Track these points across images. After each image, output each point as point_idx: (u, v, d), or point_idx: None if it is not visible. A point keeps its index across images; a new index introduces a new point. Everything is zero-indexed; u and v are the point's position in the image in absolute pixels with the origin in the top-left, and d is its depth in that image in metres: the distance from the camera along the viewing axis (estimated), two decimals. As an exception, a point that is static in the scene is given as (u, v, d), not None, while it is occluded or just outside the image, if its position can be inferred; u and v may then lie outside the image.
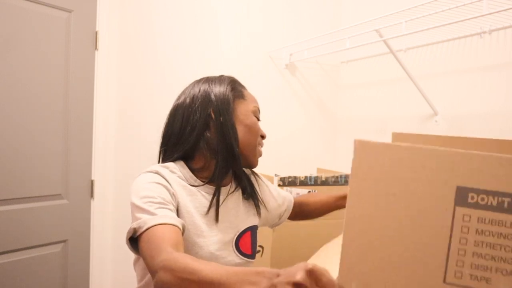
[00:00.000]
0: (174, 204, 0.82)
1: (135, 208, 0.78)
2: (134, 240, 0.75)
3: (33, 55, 1.67)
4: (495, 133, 1.47)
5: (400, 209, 0.47)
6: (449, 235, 0.45)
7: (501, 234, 0.44)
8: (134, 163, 1.89)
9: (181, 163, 0.91)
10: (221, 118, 0.88)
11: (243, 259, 0.93)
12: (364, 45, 1.66)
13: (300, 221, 1.71)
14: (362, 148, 0.48)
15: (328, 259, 0.51)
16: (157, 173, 0.84)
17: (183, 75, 1.96)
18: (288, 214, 1.16)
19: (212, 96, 0.90)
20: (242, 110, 0.91)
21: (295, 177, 1.69)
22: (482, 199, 0.44)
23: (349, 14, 2.23)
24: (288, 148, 2.17)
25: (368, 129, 2.07)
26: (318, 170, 2.17)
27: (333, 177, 1.78)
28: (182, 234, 0.76)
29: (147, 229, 0.72)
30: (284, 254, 1.71)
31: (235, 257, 0.91)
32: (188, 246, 0.83)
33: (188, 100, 0.93)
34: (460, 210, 0.45)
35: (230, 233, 0.92)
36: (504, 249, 0.44)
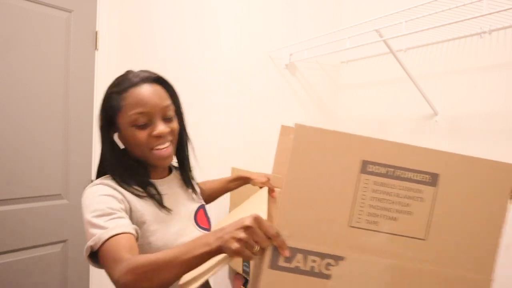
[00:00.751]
0: (124, 207, 0.85)
1: (88, 224, 0.80)
2: (95, 255, 0.78)
3: (33, 55, 1.67)
4: (495, 133, 1.47)
5: (323, 176, 0.67)
6: (354, 193, 0.67)
7: (387, 192, 0.67)
8: (134, 163, 1.90)
9: (107, 177, 0.94)
10: (102, 137, 0.94)
11: (203, 232, 0.99)
12: (364, 45, 1.65)
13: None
14: (300, 130, 0.66)
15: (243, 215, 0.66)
16: (101, 183, 0.88)
17: (183, 75, 1.97)
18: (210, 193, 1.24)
19: (101, 115, 0.94)
20: (120, 124, 0.90)
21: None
22: (377, 169, 0.67)
23: (349, 14, 2.23)
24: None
25: (368, 129, 2.07)
26: (318, 170, 2.17)
27: (333, 177, 1.78)
28: (137, 238, 0.80)
29: (102, 244, 0.75)
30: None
31: (197, 232, 0.97)
32: (152, 235, 0.87)
33: None
34: (363, 176, 0.67)
35: (187, 212, 0.99)
36: (388, 202, 0.67)
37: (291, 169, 0.66)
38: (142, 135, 0.88)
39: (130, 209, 0.87)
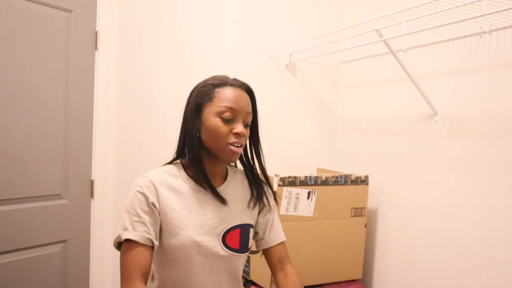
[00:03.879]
0: (155, 209, 0.96)
1: (124, 215, 0.96)
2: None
3: (33, 55, 1.67)
4: (495, 133, 1.47)
5: None
6: None
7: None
8: (134, 163, 1.89)
9: (178, 164, 1.06)
10: (187, 124, 1.01)
11: (228, 252, 1.02)
12: (364, 45, 1.65)
13: (300, 221, 1.72)
14: None
15: None
16: (144, 178, 0.98)
17: (183, 75, 1.97)
18: (260, 243, 1.15)
19: (190, 99, 1.03)
20: (206, 113, 0.98)
21: (295, 177, 1.69)
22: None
23: (349, 14, 2.23)
24: (288, 148, 2.17)
25: (368, 129, 2.07)
26: (318, 170, 2.17)
27: (333, 177, 1.78)
28: (153, 247, 0.94)
29: (124, 240, 0.93)
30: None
31: (220, 249, 1.00)
32: (172, 235, 0.96)
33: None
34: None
35: (218, 228, 1.01)
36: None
37: None
38: (224, 128, 0.96)
39: (160, 210, 0.97)
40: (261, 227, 1.14)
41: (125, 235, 0.92)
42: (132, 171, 1.89)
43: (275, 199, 1.16)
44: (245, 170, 1.13)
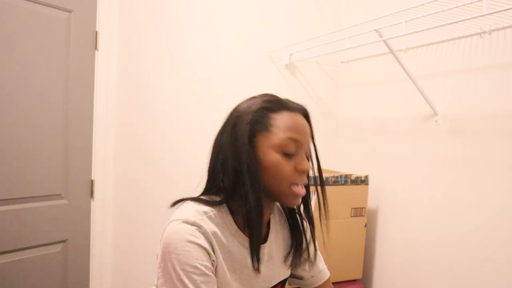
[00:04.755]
0: (213, 267, 0.76)
1: (175, 274, 0.71)
2: None
3: (33, 55, 1.67)
4: (495, 133, 1.47)
5: None
6: None
7: None
8: (134, 163, 1.89)
9: (224, 207, 0.81)
10: (238, 158, 0.77)
11: None
12: (364, 45, 1.66)
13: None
14: None
15: None
16: (196, 226, 0.74)
17: (183, 75, 1.97)
18: (303, 281, 1.00)
19: (237, 125, 0.79)
20: (262, 147, 0.77)
21: (295, 177, 1.69)
22: None
23: (349, 14, 2.23)
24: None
25: (368, 129, 2.07)
26: (318, 170, 2.17)
27: (333, 177, 1.78)
28: None
29: None
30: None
31: None
32: None
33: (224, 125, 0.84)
34: None
35: (261, 287, 0.86)
36: None
37: None
38: (287, 166, 0.77)
39: (214, 262, 0.76)
40: (300, 266, 0.98)
41: None
42: (132, 171, 1.89)
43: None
44: (287, 213, 0.94)
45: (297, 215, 0.93)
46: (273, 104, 0.80)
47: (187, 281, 0.70)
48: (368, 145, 2.06)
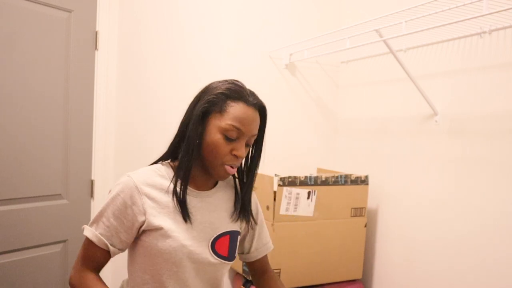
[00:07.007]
0: (132, 216, 0.92)
1: (102, 205, 0.94)
2: None
3: (33, 55, 1.67)
4: (495, 133, 1.47)
5: None
6: None
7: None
8: (134, 163, 1.89)
9: (167, 164, 1.01)
10: (188, 127, 0.94)
11: (217, 259, 0.98)
12: (364, 45, 1.66)
13: (299, 221, 1.72)
14: None
15: None
16: (129, 179, 0.94)
17: (183, 75, 1.97)
18: (246, 256, 1.14)
19: (198, 101, 0.95)
20: (211, 124, 0.92)
21: (295, 177, 1.69)
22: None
23: (349, 14, 2.23)
24: (288, 148, 2.17)
25: (368, 129, 2.07)
26: (318, 170, 2.17)
27: (333, 177, 1.78)
28: (111, 254, 0.95)
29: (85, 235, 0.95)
30: (284, 253, 1.71)
31: (209, 256, 0.97)
32: (161, 238, 0.91)
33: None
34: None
35: (207, 233, 0.97)
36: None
37: None
38: (225, 147, 0.92)
39: (145, 212, 0.92)
40: (246, 238, 1.11)
41: (86, 232, 0.94)
42: (132, 171, 1.89)
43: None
44: (236, 182, 1.08)
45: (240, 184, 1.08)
46: (234, 93, 0.93)
47: (98, 213, 0.95)
48: (368, 145, 2.06)
